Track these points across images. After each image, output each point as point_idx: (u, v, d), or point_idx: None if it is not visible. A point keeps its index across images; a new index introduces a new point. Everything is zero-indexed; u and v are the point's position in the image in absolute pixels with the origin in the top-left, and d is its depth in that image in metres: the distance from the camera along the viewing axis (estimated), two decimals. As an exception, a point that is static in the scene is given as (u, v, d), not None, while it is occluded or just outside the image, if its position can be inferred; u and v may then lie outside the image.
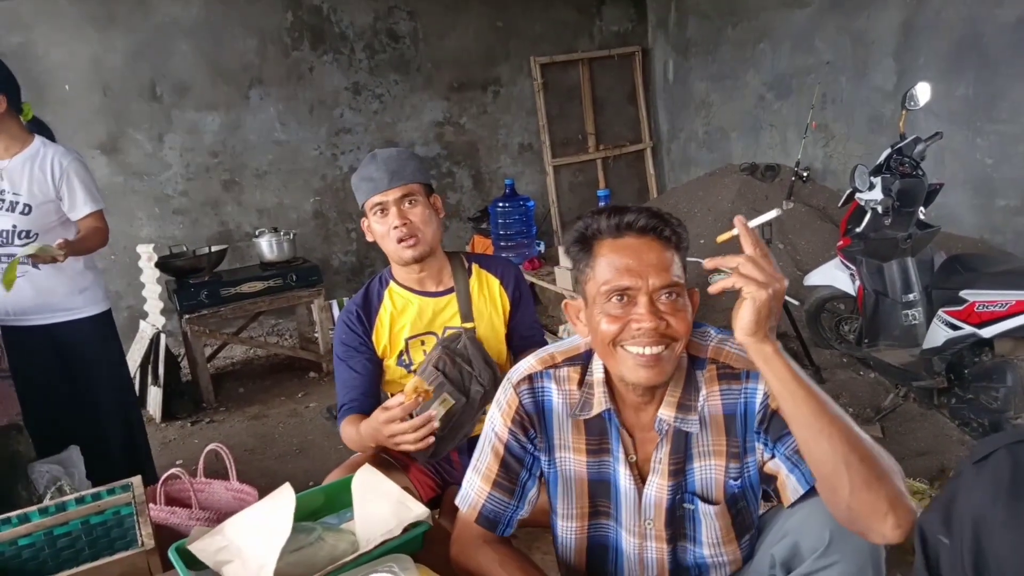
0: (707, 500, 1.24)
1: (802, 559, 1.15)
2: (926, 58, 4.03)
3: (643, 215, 1.16)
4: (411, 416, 1.55)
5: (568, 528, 1.33)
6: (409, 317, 1.91)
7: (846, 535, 1.09)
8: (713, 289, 1.09)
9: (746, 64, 5.20)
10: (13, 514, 1.81)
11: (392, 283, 1.94)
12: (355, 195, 1.89)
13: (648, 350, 1.13)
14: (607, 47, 5.90)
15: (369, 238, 1.91)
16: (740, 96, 5.32)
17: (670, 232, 1.16)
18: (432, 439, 1.56)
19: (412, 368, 1.89)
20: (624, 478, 1.27)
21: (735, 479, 1.23)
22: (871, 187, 2.96)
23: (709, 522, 1.25)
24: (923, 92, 3.03)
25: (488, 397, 1.81)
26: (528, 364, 1.32)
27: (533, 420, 1.30)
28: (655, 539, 1.27)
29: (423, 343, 1.91)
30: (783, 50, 4.92)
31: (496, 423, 1.31)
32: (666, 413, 1.21)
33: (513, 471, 1.30)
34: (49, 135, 2.65)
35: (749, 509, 1.28)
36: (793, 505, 1.18)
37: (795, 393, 1.01)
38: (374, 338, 1.90)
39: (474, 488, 1.32)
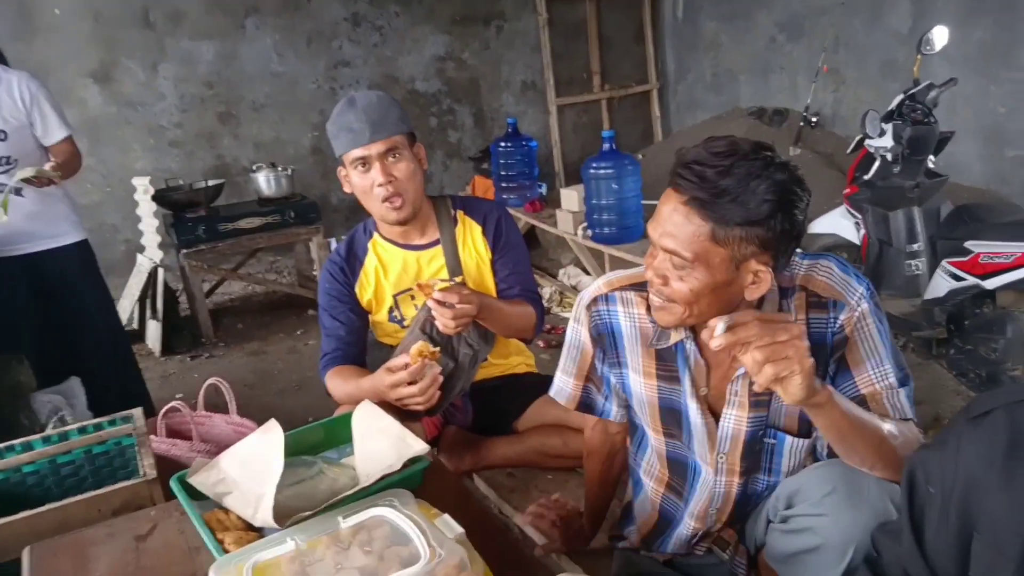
0: (793, 433, 1.26)
1: (801, 500, 1.18)
2: (944, 0, 3.91)
3: (693, 170, 1.08)
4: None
5: (652, 438, 1.41)
6: (394, 272, 1.85)
7: (849, 498, 1.11)
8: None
9: (758, 3, 5.05)
10: (17, 442, 1.84)
11: (376, 235, 1.87)
12: (331, 143, 1.76)
13: (654, 297, 1.19)
14: (616, -19, 5.73)
15: (347, 189, 1.78)
16: (750, 37, 5.18)
17: (704, 199, 1.07)
18: (439, 393, 1.55)
19: (405, 324, 1.86)
20: (694, 412, 1.29)
21: None
22: (882, 133, 2.90)
23: (793, 456, 1.27)
24: (940, 36, 2.94)
25: (478, 357, 1.78)
26: (595, 286, 1.38)
27: (603, 341, 1.37)
28: (727, 473, 1.30)
29: (413, 298, 1.86)
30: (796, -11, 4.78)
31: (580, 333, 1.40)
32: None
33: (596, 371, 1.43)
34: (4, 62, 2.59)
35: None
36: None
37: (842, 430, 1.06)
38: (358, 290, 1.86)
39: (568, 385, 1.46)
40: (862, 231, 3.17)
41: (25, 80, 2.47)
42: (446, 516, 1.08)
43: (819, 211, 3.92)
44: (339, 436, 1.46)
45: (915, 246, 3.00)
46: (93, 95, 4.47)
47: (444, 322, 1.60)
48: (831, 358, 1.20)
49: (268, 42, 4.83)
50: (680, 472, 1.39)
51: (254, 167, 4.24)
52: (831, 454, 1.25)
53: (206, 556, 1.19)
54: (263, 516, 1.15)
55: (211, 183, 4.09)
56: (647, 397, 1.35)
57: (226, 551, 1.12)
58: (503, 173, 4.76)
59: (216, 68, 4.74)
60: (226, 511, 1.24)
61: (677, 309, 1.15)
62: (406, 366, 1.51)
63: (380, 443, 1.31)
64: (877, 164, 2.99)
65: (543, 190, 4.90)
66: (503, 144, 4.71)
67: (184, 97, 4.70)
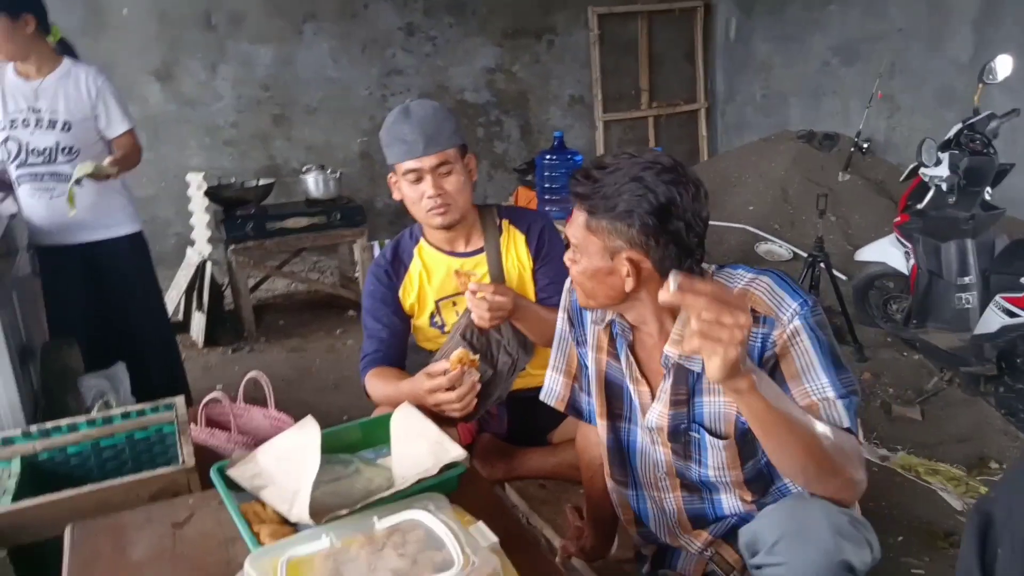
0: (715, 434, 1.30)
1: (760, 548, 1.18)
2: (1008, 29, 3.82)
3: (584, 169, 1.24)
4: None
5: (601, 428, 1.47)
6: (438, 278, 1.85)
7: (797, 542, 1.10)
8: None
9: (813, 26, 5.00)
10: (63, 422, 1.89)
11: (422, 240, 1.88)
12: (384, 151, 1.77)
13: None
14: (669, 0, 5.71)
15: (396, 196, 1.80)
16: (803, 60, 5.13)
17: (580, 193, 1.23)
18: (476, 401, 1.55)
19: (445, 329, 1.87)
20: (634, 392, 1.37)
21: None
22: (937, 162, 2.84)
23: (716, 452, 1.31)
24: (1003, 65, 2.88)
25: (517, 366, 1.78)
26: None
27: (574, 318, 1.48)
28: (661, 445, 1.37)
29: (455, 304, 1.86)
30: (854, 13, 4.71)
31: (564, 321, 1.51)
32: (670, 350, 1.27)
33: (581, 363, 1.50)
34: (74, 56, 2.68)
35: (756, 440, 1.29)
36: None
37: (765, 422, 1.06)
38: (401, 295, 1.87)
39: (558, 384, 1.54)
40: (911, 261, 3.11)
41: (92, 74, 2.56)
42: (481, 524, 1.08)
43: (866, 239, 3.85)
44: (376, 436, 1.47)
45: (967, 279, 2.92)
46: (154, 92, 4.61)
47: (479, 314, 1.60)
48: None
49: (324, 48, 4.94)
50: (620, 458, 1.46)
51: (304, 169, 4.32)
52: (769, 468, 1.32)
53: (241, 547, 1.21)
54: (299, 512, 1.16)
55: (262, 182, 4.18)
56: (596, 372, 1.43)
57: (261, 544, 1.13)
58: (547, 185, 4.76)
59: (273, 71, 4.86)
60: (263, 504, 1.26)
61: (579, 291, 1.30)
62: (445, 372, 1.51)
63: (418, 446, 1.32)
64: (931, 193, 2.93)
65: (586, 204, 4.88)
66: (549, 157, 4.71)
67: (241, 98, 4.82)
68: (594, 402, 1.46)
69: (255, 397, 2.42)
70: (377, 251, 4.21)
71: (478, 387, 1.55)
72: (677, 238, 1.18)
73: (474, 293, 1.60)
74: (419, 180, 1.72)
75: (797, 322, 1.18)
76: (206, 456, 1.92)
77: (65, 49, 2.67)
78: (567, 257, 1.29)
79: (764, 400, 1.03)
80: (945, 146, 2.89)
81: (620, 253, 1.20)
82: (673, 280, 0.96)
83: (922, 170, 2.96)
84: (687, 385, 1.30)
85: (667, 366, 1.29)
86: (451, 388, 1.52)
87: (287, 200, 4.65)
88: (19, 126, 2.50)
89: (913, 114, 4.42)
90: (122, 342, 2.73)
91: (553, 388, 1.54)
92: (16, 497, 1.63)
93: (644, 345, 1.35)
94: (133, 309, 2.75)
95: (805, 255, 3.75)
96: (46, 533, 1.57)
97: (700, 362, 1.24)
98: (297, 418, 1.40)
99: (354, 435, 1.48)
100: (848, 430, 1.16)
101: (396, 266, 1.88)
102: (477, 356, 1.56)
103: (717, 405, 1.29)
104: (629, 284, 1.21)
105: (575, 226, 1.25)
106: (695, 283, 0.96)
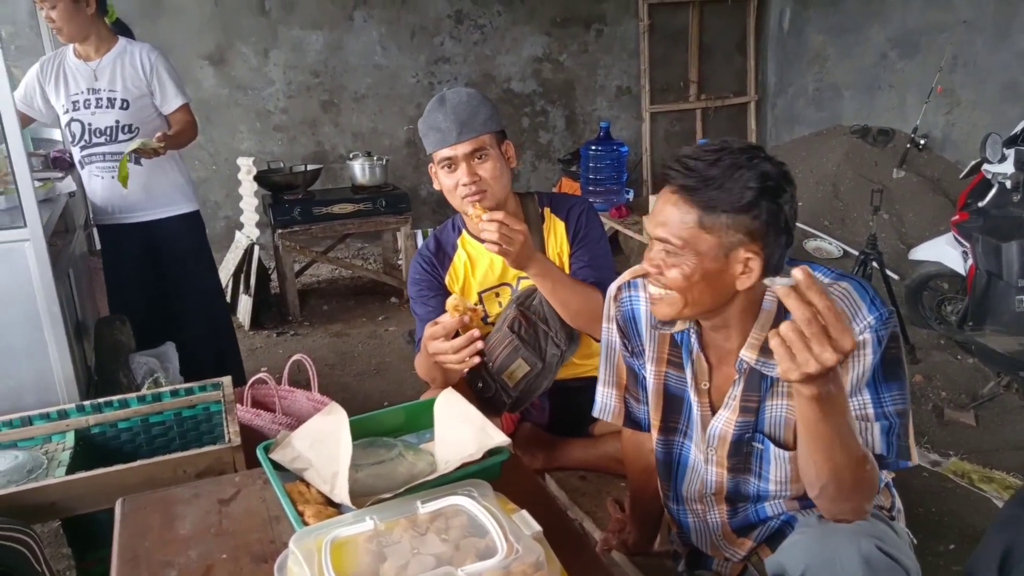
0: (778, 443, 1.25)
1: None
2: (1081, 23, 3.66)
3: (682, 162, 1.14)
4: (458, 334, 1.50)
5: (655, 441, 1.42)
6: (481, 270, 1.84)
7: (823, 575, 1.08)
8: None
9: (871, 17, 4.85)
10: (115, 398, 1.94)
11: (465, 232, 1.86)
12: (422, 142, 1.76)
13: (651, 288, 1.20)
14: (722, -10, 5.61)
15: (436, 187, 1.79)
16: (860, 52, 4.98)
17: (691, 187, 1.13)
18: (476, 359, 1.49)
19: (489, 320, 1.85)
20: (695, 404, 1.32)
21: None
22: (1002, 159, 2.74)
23: (780, 465, 1.26)
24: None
25: (564, 358, 1.76)
26: (621, 277, 1.40)
27: (627, 329, 1.40)
28: (716, 464, 1.32)
29: (498, 295, 1.85)
30: (915, 4, 4.56)
31: (611, 333, 1.44)
32: (747, 355, 1.21)
33: (633, 373, 1.45)
34: (131, 36, 2.73)
35: None
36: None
37: (809, 431, 1.05)
38: (448, 282, 1.86)
39: (611, 398, 1.48)
40: (969, 261, 3.00)
41: (147, 51, 2.62)
42: (524, 512, 1.07)
43: (921, 238, 3.74)
44: (419, 421, 1.47)
45: (1029, 281, 2.81)
46: (208, 76, 4.69)
47: (489, 237, 1.55)
48: None
49: (374, 35, 4.96)
50: (667, 472, 1.42)
51: (351, 155, 4.35)
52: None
53: (285, 526, 1.22)
54: (340, 493, 1.17)
55: (310, 168, 4.23)
56: (654, 385, 1.37)
57: (306, 523, 1.14)
58: (591, 176, 4.72)
59: (323, 57, 4.90)
60: (307, 484, 1.27)
61: (674, 298, 1.17)
62: (440, 323, 1.48)
63: (461, 431, 1.31)
64: (994, 191, 2.83)
65: (630, 196, 4.84)
66: (594, 147, 4.67)
67: (291, 84, 4.88)
68: (651, 417, 1.41)
69: (298, 380, 2.46)
70: (420, 239, 4.24)
71: (479, 345, 1.48)
72: (788, 227, 1.12)
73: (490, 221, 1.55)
74: (454, 168, 1.70)
75: (867, 335, 1.13)
76: (251, 436, 1.95)
77: (122, 29, 2.73)
78: (651, 265, 1.17)
79: (820, 413, 1.00)
80: (1011, 142, 2.78)
81: (738, 249, 1.11)
82: (790, 280, 0.90)
83: (985, 166, 2.85)
84: (759, 391, 1.24)
85: (741, 370, 1.24)
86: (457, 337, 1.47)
87: (334, 186, 4.70)
88: (81, 107, 2.57)
89: (974, 109, 4.27)
90: (175, 321, 2.79)
91: (607, 403, 1.49)
92: (70, 470, 1.68)
93: (717, 349, 1.28)
94: (188, 288, 2.81)
95: (856, 253, 3.66)
96: (97, 505, 1.62)
97: (776, 366, 1.20)
98: (339, 402, 1.41)
99: (397, 419, 1.48)
100: (880, 456, 1.14)
101: (440, 256, 1.87)
102: (478, 307, 1.51)
103: (779, 409, 1.24)
104: (746, 282, 1.12)
105: (678, 226, 1.13)
106: (813, 289, 0.90)
